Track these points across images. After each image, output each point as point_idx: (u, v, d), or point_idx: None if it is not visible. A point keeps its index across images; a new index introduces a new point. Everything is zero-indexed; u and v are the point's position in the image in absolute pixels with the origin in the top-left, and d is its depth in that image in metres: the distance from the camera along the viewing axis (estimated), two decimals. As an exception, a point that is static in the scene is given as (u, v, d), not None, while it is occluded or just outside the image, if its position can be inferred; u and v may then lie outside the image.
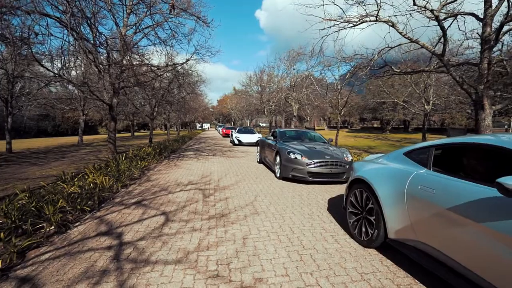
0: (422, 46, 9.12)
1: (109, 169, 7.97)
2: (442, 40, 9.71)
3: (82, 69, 15.90)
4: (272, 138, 8.69)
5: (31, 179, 8.12)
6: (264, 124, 71.33)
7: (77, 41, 7.75)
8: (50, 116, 47.11)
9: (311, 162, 6.35)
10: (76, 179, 6.59)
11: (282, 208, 4.68)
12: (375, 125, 68.75)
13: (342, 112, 18.80)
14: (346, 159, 6.65)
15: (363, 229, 3.12)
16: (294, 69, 27.65)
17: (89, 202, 5.15)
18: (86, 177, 6.90)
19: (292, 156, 6.62)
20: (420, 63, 21.57)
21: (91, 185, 6.22)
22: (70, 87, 23.79)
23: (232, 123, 74.04)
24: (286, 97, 27.91)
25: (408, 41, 9.57)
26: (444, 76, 26.83)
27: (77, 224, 4.17)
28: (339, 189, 6.17)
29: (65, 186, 5.71)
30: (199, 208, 4.69)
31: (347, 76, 18.82)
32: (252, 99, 41.08)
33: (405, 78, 24.71)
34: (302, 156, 6.50)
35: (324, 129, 60.02)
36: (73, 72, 20.14)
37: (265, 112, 33.97)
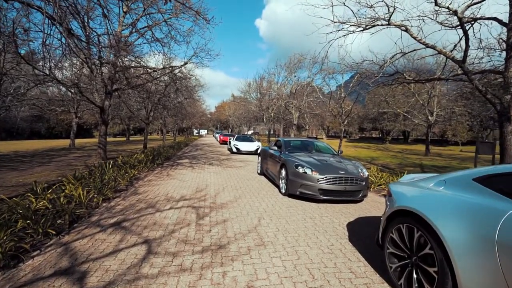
0: (440, 52, 8.43)
1: (92, 178, 7.08)
2: (457, 45, 9.10)
3: (74, 69, 15.02)
4: (276, 148, 7.83)
5: (5, 187, 7.18)
6: (255, 131, 70.24)
7: (62, 35, 6.89)
8: (44, 118, 46.08)
9: (322, 178, 5.50)
10: (50, 190, 5.69)
11: (293, 236, 3.81)
12: (373, 135, 68.36)
13: (346, 121, 18.11)
14: (361, 175, 5.82)
15: (415, 282, 2.27)
16: (295, 76, 27.05)
17: (58, 222, 4.27)
18: (63, 187, 6.00)
19: (301, 170, 5.77)
20: (423, 72, 21.06)
21: (67, 199, 5.35)
22: (62, 88, 22.94)
23: (230, 130, 73.23)
24: (286, 105, 27.21)
25: (424, 46, 8.89)
26: (446, 87, 26.36)
27: (35, 253, 3.27)
28: (355, 210, 5.32)
29: (33, 200, 4.81)
30: (191, 235, 3.80)
31: (351, 84, 18.19)
32: (251, 106, 40.39)
33: (408, 88, 24.20)
34: (312, 171, 5.66)
35: (323, 138, 59.38)
36: (68, 74, 19.32)
37: (264, 119, 33.23)
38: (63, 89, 22.78)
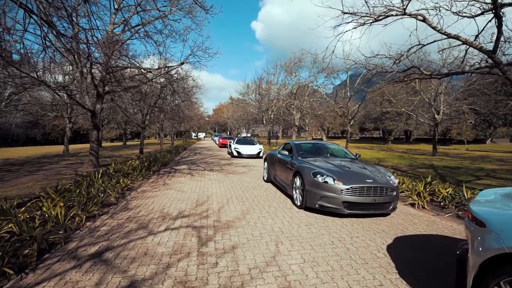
0: (464, 43, 7.58)
1: (78, 191, 6.19)
2: (479, 34, 8.30)
3: (64, 70, 14.11)
4: (285, 152, 6.89)
5: (-23, 204, 6.26)
6: (253, 133, 69.14)
7: (41, 28, 5.97)
8: (39, 124, 45.08)
9: (347, 189, 4.62)
10: (23, 209, 4.81)
11: (326, 271, 2.92)
12: (374, 135, 67.62)
13: (352, 122, 17.29)
14: (391, 183, 4.95)
15: None
16: (295, 76, 26.20)
17: (25, 252, 3.38)
18: (40, 204, 5.10)
19: (320, 179, 4.88)
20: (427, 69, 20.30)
21: (43, 218, 4.48)
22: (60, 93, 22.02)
23: (228, 133, 72.30)
24: (287, 106, 26.33)
25: (445, 37, 8.07)
26: (448, 84, 25.52)
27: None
28: (388, 227, 4.44)
29: (-4, 224, 3.92)
30: (192, 272, 2.91)
31: (356, 83, 17.39)
32: (249, 108, 39.53)
33: (413, 85, 23.40)
34: (334, 180, 4.77)
35: (322, 139, 58.58)
36: (58, 77, 18.42)
37: (264, 121, 32.35)
38: (60, 93, 21.90)
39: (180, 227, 4.32)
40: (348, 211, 4.62)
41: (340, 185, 4.67)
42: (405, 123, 37.16)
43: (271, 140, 33.95)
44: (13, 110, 20.61)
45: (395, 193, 4.85)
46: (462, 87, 22.39)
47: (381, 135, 59.90)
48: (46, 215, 4.57)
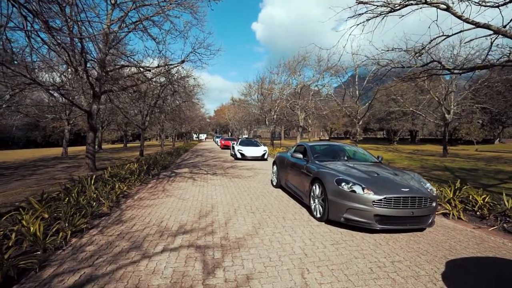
0: (496, 32, 6.82)
1: (66, 199, 5.48)
2: (508, 24, 7.58)
3: (56, 67, 13.42)
4: (299, 155, 6.09)
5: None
6: (255, 135, 68.24)
7: (25, 19, 5.26)
8: (40, 126, 44.59)
9: (380, 199, 3.87)
10: (-3, 223, 4.11)
11: (376, 319, 2.20)
12: (378, 136, 66.72)
13: (360, 122, 16.54)
14: (430, 192, 4.19)
15: None
16: (300, 75, 25.43)
17: (-13, 284, 2.67)
18: (20, 217, 4.39)
19: (346, 187, 4.14)
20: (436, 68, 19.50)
21: (20, 235, 3.77)
22: (55, 94, 21.38)
23: (230, 134, 71.64)
24: (291, 106, 25.55)
25: (470, 27, 7.34)
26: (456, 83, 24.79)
27: None
28: (431, 246, 3.69)
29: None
30: (197, 320, 2.19)
31: (365, 82, 16.64)
32: (251, 109, 38.77)
33: (422, 84, 22.62)
34: (364, 189, 4.02)
35: (329, 140, 57.78)
36: (56, 77, 17.79)
37: (266, 122, 31.61)
38: (54, 94, 21.26)
39: (180, 247, 3.59)
40: (381, 226, 3.87)
41: (371, 195, 3.92)
42: (411, 123, 36.32)
43: (274, 141, 33.20)
44: (13, 112, 20.01)
45: (434, 204, 4.10)
46: (472, 85, 21.62)
47: (385, 135, 59.06)
48: (24, 231, 3.86)
